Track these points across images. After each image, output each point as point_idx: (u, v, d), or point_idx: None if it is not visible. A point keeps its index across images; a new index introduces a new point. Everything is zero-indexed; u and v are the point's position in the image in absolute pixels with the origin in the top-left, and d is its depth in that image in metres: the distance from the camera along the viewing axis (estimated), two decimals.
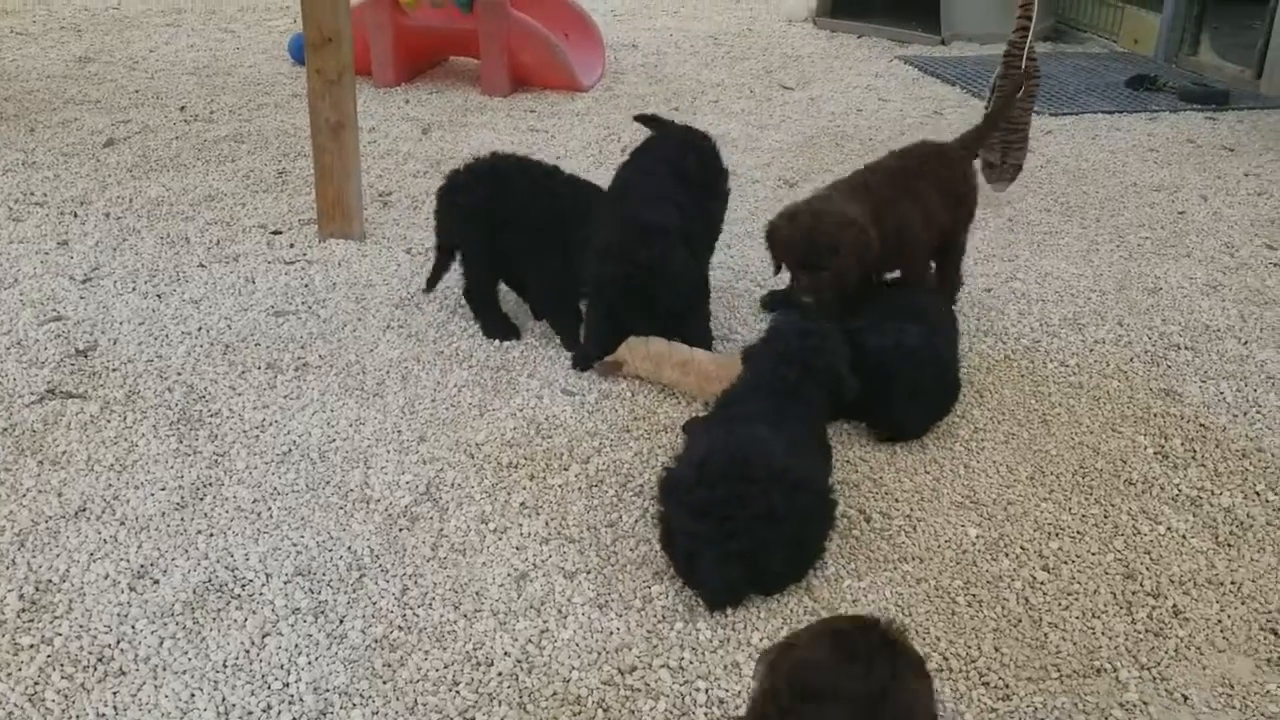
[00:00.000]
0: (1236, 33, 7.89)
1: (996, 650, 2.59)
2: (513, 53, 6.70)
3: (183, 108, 6.38)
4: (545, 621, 2.64)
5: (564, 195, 3.98)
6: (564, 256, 3.84)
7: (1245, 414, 3.59)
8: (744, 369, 3.22)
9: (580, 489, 3.12)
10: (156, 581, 2.74)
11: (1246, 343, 4.04)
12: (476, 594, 2.72)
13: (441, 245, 4.06)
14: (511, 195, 3.94)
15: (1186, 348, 3.99)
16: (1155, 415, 3.56)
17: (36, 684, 2.44)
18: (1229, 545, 2.98)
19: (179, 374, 3.64)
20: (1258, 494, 3.19)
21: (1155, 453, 3.37)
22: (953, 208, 3.93)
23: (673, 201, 3.72)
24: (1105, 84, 7.40)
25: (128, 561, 2.80)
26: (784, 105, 6.83)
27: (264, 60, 7.47)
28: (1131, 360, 3.90)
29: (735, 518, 2.65)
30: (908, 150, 4.04)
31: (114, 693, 2.42)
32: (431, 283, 4.08)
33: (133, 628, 2.59)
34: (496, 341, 3.90)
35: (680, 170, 3.85)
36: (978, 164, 4.85)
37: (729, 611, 2.67)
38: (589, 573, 2.80)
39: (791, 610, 2.69)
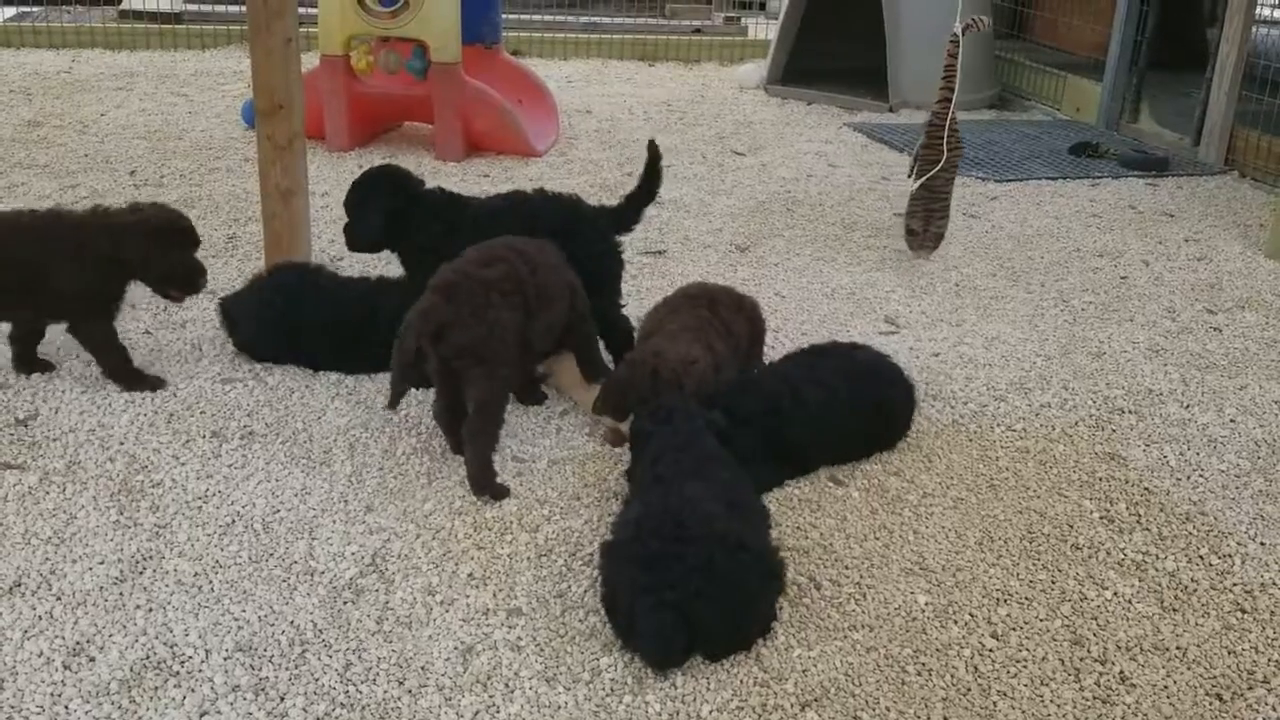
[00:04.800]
0: (1175, 101, 8.12)
1: None
2: (466, 118, 6.75)
3: (133, 172, 6.35)
4: (492, 696, 2.60)
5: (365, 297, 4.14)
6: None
7: (1188, 478, 3.63)
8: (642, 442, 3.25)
9: (529, 559, 3.09)
10: (93, 659, 2.67)
11: (1188, 406, 4.10)
12: (422, 669, 2.68)
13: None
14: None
15: (1130, 411, 4.04)
16: (1100, 479, 3.60)
17: None
18: (1174, 610, 3.00)
19: (121, 443, 3.58)
20: (1201, 558, 3.22)
21: (1101, 517, 3.40)
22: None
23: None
24: (1049, 151, 7.57)
25: (63, 638, 2.73)
26: (736, 171, 6.91)
27: (217, 124, 7.46)
28: (1077, 424, 3.94)
29: (672, 567, 2.66)
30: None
31: None
32: None
33: (66, 708, 2.52)
34: None
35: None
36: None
37: (678, 684, 2.64)
38: (537, 645, 2.76)
39: (741, 681, 2.67)
